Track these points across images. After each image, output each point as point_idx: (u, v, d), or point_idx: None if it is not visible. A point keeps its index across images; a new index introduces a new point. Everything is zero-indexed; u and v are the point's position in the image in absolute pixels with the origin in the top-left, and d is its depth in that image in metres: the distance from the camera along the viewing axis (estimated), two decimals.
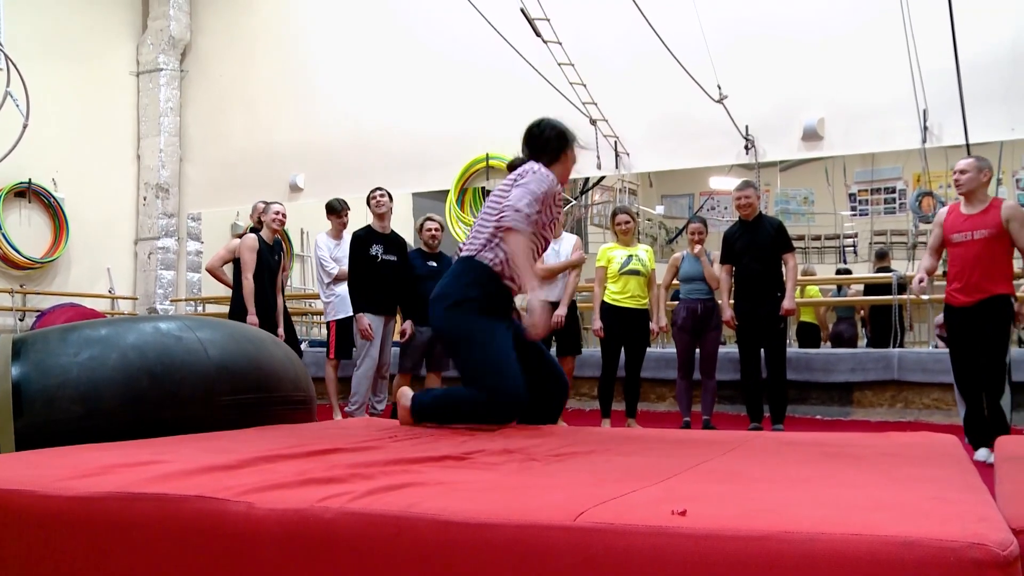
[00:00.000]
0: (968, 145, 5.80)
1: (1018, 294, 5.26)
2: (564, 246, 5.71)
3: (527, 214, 2.93)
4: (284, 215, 6.06)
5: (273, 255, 5.83)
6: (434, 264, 6.14)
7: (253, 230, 6.13)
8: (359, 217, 6.94)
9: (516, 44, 6.52)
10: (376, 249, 5.71)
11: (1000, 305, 4.38)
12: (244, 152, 9.40)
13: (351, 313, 5.99)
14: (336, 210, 6.31)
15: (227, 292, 6.41)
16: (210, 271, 6.46)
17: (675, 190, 15.59)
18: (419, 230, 6.21)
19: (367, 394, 5.76)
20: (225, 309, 8.85)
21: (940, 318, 8.42)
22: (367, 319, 5.63)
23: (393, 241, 5.86)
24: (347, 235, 6.18)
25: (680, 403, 5.95)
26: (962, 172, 4.46)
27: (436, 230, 6.08)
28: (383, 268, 5.73)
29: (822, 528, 1.21)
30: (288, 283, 7.39)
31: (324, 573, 1.44)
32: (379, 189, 5.96)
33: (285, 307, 6.21)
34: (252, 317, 5.38)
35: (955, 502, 1.42)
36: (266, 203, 6.06)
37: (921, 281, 4.59)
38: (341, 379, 6.33)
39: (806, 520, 1.25)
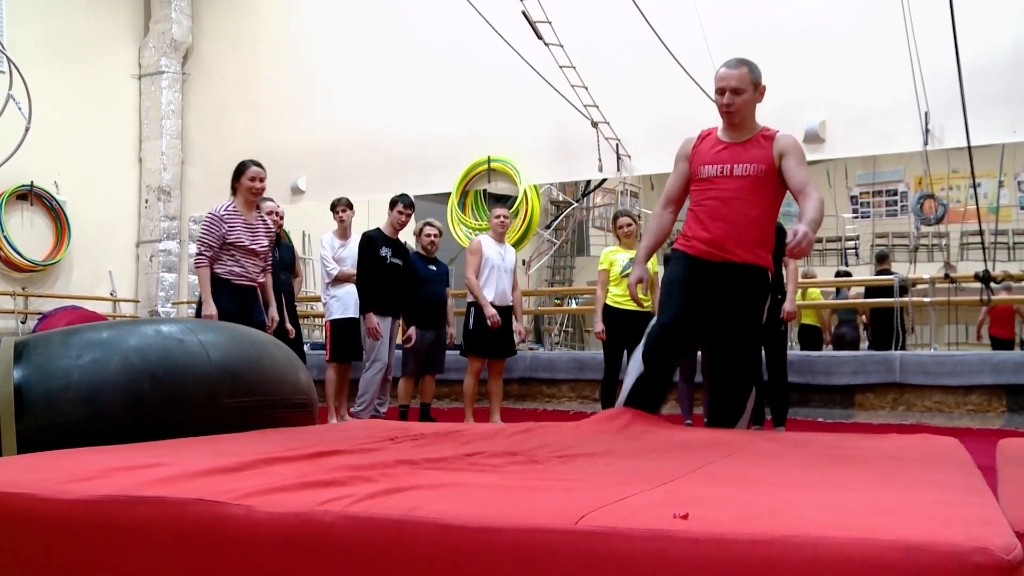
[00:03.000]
0: (970, 147, 5.78)
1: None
2: (508, 253, 6.07)
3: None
4: (279, 214, 6.00)
5: (272, 254, 5.75)
6: (433, 268, 6.18)
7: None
8: (361, 220, 6.95)
9: (518, 47, 6.52)
10: (385, 251, 5.77)
11: (755, 279, 3.17)
12: (246, 155, 9.23)
13: (347, 314, 6.00)
14: (332, 206, 6.31)
15: None
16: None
17: None
18: (418, 234, 6.25)
19: (375, 396, 5.77)
20: None
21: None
22: (375, 318, 5.64)
23: (399, 246, 5.93)
24: (355, 235, 6.19)
25: (682, 405, 5.95)
26: (735, 92, 3.17)
27: (435, 235, 6.16)
28: (391, 270, 5.77)
29: (825, 532, 1.20)
30: (301, 288, 7.29)
31: None
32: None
33: (294, 309, 6.16)
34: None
35: (958, 505, 1.42)
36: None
37: (640, 280, 3.33)
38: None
39: (809, 524, 1.25)
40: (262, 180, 4.92)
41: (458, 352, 6.29)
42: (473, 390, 5.97)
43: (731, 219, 3.16)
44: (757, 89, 3.22)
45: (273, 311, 5.05)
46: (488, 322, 5.74)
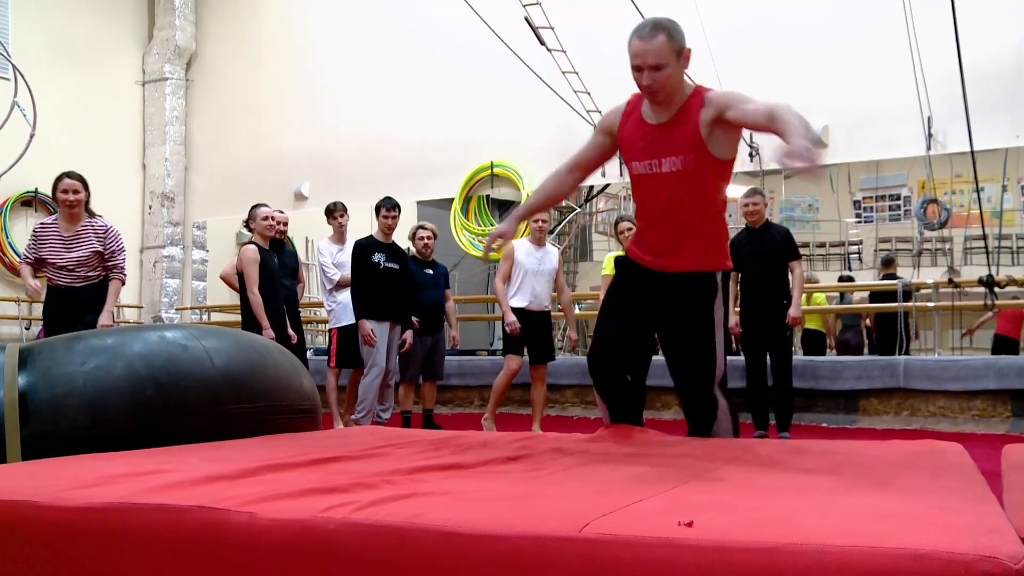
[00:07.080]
0: (973, 152, 5.78)
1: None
2: (547, 257, 5.84)
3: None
4: (282, 221, 5.98)
5: (273, 260, 5.74)
6: (430, 272, 6.19)
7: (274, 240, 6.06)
8: (363, 226, 6.94)
9: (520, 52, 6.54)
10: (378, 257, 5.76)
11: (695, 285, 2.76)
12: (249, 160, 9.42)
13: (352, 321, 6.00)
14: (330, 211, 6.30)
15: (232, 300, 6.36)
16: (224, 280, 6.39)
17: None
18: (411, 238, 6.26)
19: (374, 402, 5.76)
20: (231, 317, 8.88)
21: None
22: (369, 325, 5.64)
23: (394, 250, 5.91)
24: (351, 240, 6.19)
25: None
26: (655, 68, 2.55)
27: (428, 238, 6.16)
28: (385, 275, 5.76)
29: (830, 539, 1.20)
30: (304, 294, 7.29)
31: None
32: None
33: (298, 315, 6.16)
34: (268, 332, 5.27)
35: (964, 512, 1.41)
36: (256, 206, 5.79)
37: (502, 235, 2.98)
38: (342, 387, 6.31)
39: (813, 531, 1.24)
40: (76, 192, 4.71)
41: (461, 356, 6.28)
42: (503, 387, 5.81)
43: (667, 224, 2.75)
44: (681, 57, 2.59)
45: (104, 317, 4.76)
46: (507, 328, 5.66)
